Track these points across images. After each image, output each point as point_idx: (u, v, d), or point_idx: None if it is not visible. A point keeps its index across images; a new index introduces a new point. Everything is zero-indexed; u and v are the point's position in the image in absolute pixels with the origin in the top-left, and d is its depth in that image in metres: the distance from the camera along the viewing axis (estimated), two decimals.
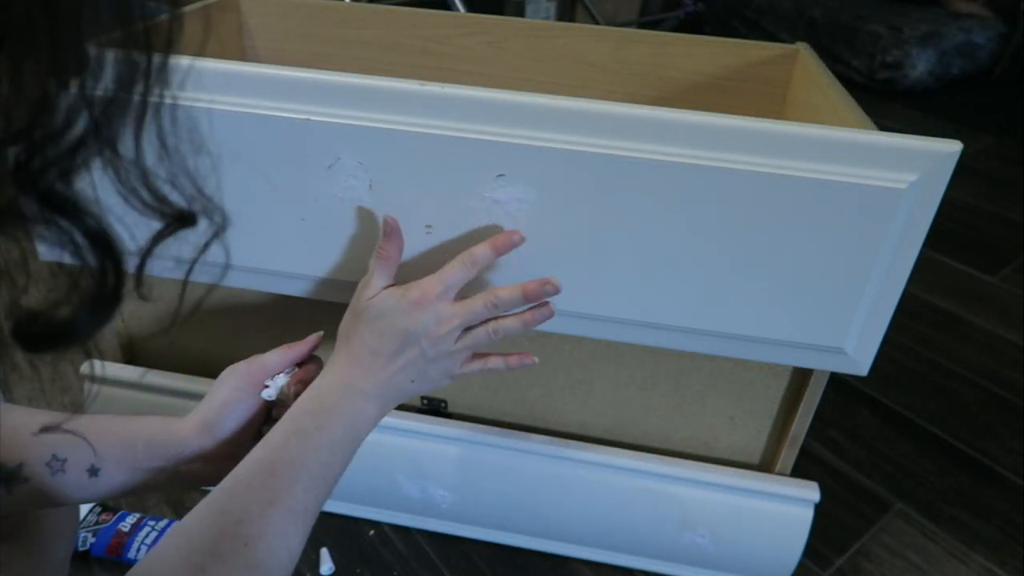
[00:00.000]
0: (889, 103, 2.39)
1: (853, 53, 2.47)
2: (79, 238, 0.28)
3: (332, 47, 1.01)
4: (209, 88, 0.59)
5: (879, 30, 2.43)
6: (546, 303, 0.58)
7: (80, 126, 0.26)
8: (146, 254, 0.34)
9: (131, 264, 0.32)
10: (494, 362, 0.59)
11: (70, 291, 0.29)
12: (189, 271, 0.38)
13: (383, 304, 0.55)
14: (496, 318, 0.57)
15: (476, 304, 0.55)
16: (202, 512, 0.47)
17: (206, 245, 0.38)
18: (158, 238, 0.34)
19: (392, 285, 0.57)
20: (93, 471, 0.52)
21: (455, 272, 0.55)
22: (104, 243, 0.29)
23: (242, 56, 1.02)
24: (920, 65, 2.39)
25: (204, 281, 0.43)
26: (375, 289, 0.56)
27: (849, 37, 2.47)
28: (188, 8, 0.89)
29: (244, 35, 1.01)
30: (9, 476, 0.49)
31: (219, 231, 0.37)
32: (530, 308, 0.58)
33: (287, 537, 0.47)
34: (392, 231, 0.57)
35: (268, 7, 0.99)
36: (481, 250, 0.56)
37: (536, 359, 0.60)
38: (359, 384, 0.54)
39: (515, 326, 0.57)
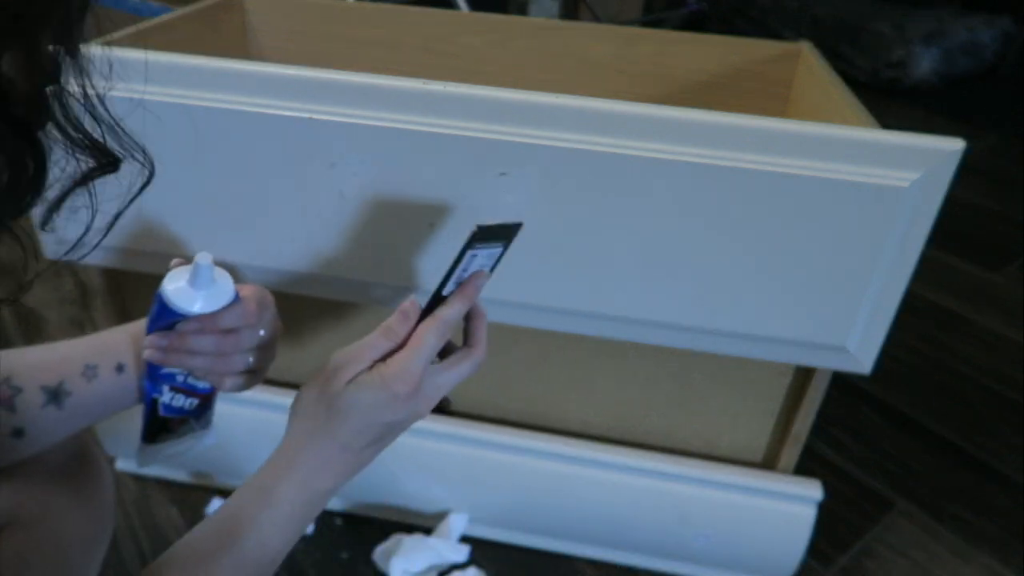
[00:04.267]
0: (893, 102, 2.39)
1: (857, 52, 2.47)
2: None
3: (335, 46, 1.01)
4: (213, 87, 0.59)
5: (883, 29, 2.42)
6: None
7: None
8: (68, 192, 0.37)
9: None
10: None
11: None
12: (117, 216, 0.40)
13: (359, 399, 0.47)
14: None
15: (465, 371, 0.50)
16: None
17: (140, 191, 0.41)
18: (87, 178, 0.36)
19: (372, 365, 0.48)
20: (120, 368, 0.55)
21: (431, 343, 0.48)
22: (26, 134, 0.30)
23: (246, 55, 1.03)
24: (924, 64, 2.39)
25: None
26: (351, 372, 0.48)
27: (853, 36, 2.47)
28: (191, 8, 0.89)
29: (248, 34, 1.01)
30: (56, 393, 0.53)
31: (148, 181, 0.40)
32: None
33: None
34: (408, 317, 0.49)
35: (272, 6, 1.00)
36: (452, 312, 0.49)
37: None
38: (323, 485, 0.48)
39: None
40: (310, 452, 0.48)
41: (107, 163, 0.37)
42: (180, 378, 0.55)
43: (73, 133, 0.34)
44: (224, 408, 0.84)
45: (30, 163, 0.31)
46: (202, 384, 0.56)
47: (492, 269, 0.52)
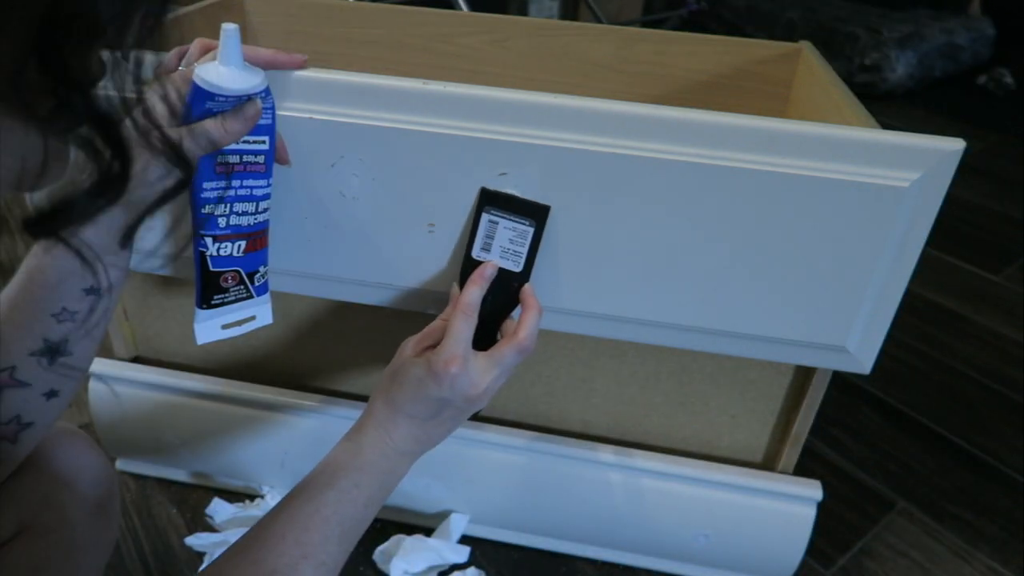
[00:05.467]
0: (869, 107, 2.38)
1: (831, 56, 2.44)
2: (87, 127, 0.30)
3: (335, 46, 1.01)
4: None
5: (858, 32, 2.39)
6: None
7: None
8: (152, 209, 0.41)
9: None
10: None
11: (81, 175, 0.31)
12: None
13: (412, 372, 0.55)
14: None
15: (507, 355, 0.56)
16: (235, 560, 0.49)
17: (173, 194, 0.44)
18: (171, 195, 0.40)
19: (428, 347, 0.56)
20: (92, 291, 0.51)
21: (463, 327, 0.55)
22: (109, 130, 0.31)
23: None
24: (900, 68, 2.35)
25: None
26: (412, 350, 0.57)
27: (827, 39, 2.42)
28: (191, 8, 0.89)
29: (247, 34, 1.01)
30: (53, 349, 0.50)
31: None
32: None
33: None
34: (453, 300, 0.58)
35: (271, 6, 1.00)
36: (472, 295, 0.56)
37: None
38: (398, 444, 0.55)
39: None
40: (382, 411, 0.56)
41: (187, 173, 0.38)
42: (222, 222, 0.55)
43: (154, 136, 0.34)
44: (225, 408, 0.85)
45: (116, 163, 0.32)
46: (245, 220, 0.56)
47: (532, 252, 0.58)
